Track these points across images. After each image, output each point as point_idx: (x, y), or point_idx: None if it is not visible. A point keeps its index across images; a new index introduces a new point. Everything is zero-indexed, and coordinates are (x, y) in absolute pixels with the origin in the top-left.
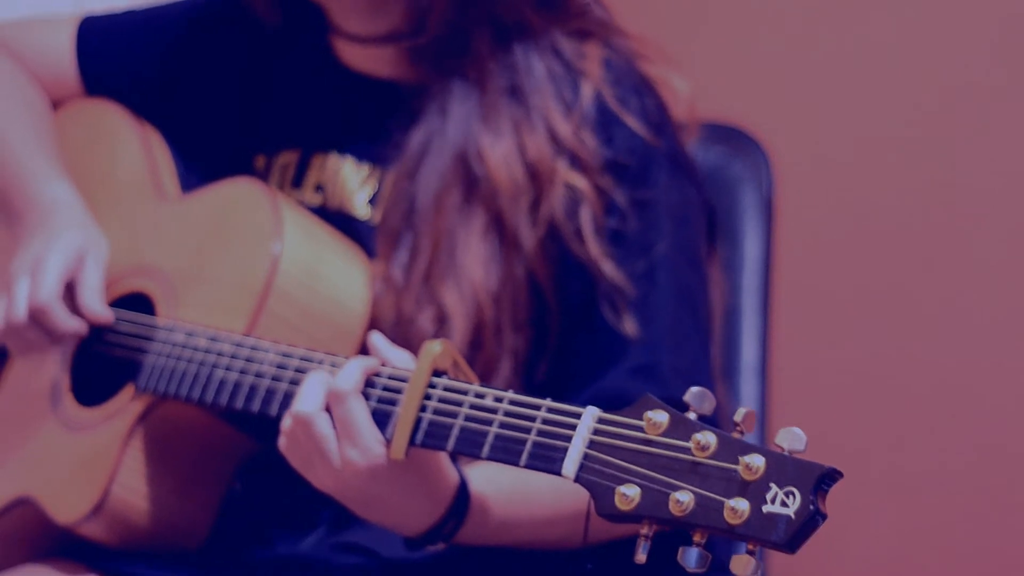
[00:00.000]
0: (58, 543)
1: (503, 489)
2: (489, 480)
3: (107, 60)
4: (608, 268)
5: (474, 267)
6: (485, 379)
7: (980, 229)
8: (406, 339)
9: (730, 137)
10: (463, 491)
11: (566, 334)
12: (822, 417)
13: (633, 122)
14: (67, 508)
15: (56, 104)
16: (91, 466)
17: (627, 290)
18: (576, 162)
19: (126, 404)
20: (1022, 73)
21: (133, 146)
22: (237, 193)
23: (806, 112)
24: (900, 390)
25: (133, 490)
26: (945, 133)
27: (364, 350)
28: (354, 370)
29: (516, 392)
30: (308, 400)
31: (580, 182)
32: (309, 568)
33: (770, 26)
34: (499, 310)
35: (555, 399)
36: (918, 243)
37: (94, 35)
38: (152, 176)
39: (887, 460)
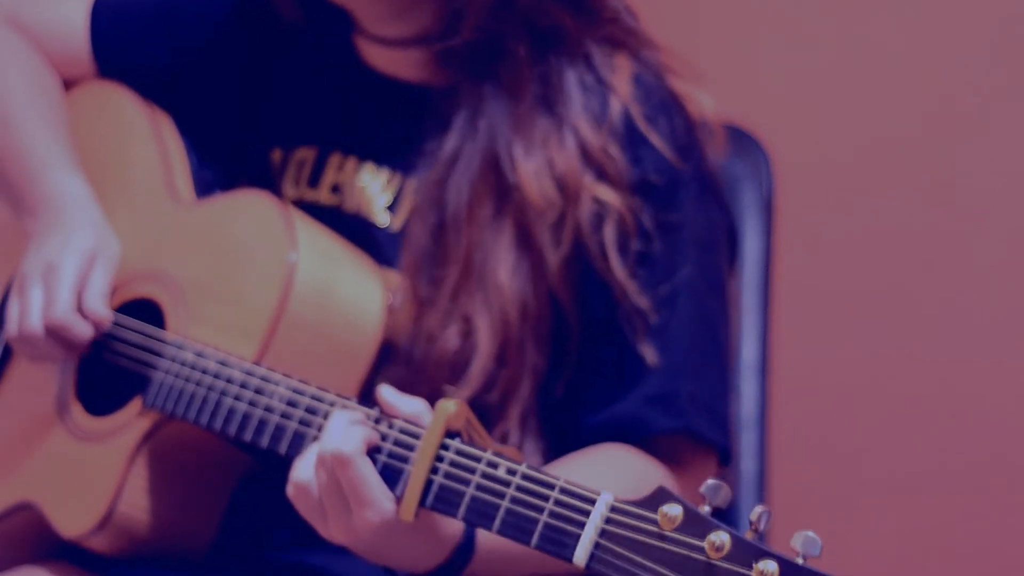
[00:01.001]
0: (59, 545)
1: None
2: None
3: (122, 42)
4: (632, 290)
5: (503, 281)
6: (506, 397)
7: (980, 229)
8: (428, 354)
9: (730, 137)
10: (470, 531)
11: (584, 354)
12: (822, 417)
13: (661, 142)
14: (72, 522)
15: (66, 83)
16: (97, 481)
17: (649, 314)
18: (603, 176)
19: (133, 418)
20: (1022, 73)
21: (145, 137)
22: (251, 206)
23: (806, 112)
24: (900, 390)
25: (137, 506)
26: (945, 133)
27: (375, 364)
28: (356, 430)
29: (528, 467)
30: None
31: (608, 195)
32: (316, 573)
33: (770, 26)
34: (524, 326)
35: (570, 418)
36: (918, 243)
37: (109, 15)
38: (165, 172)
39: (887, 460)
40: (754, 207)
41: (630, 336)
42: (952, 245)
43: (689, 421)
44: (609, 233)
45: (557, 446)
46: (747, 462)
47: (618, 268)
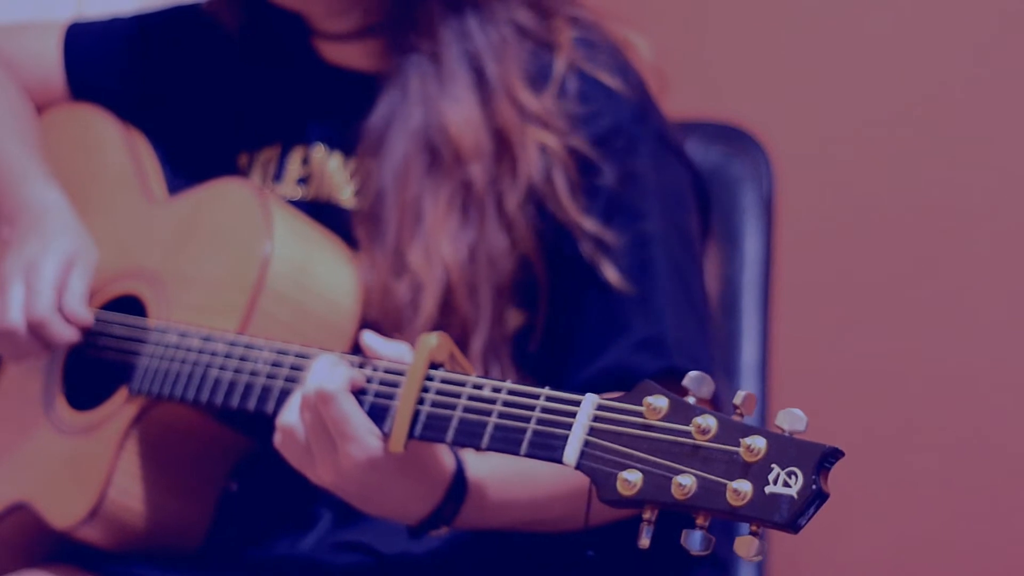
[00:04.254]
0: (55, 548)
1: (501, 469)
2: (486, 461)
3: (93, 66)
4: (589, 225)
5: (440, 235)
6: (463, 341)
7: (980, 229)
8: (384, 312)
9: (730, 137)
10: (460, 474)
11: (557, 306)
12: (822, 416)
13: (614, 97)
14: (63, 513)
15: (41, 109)
16: (86, 470)
17: (616, 252)
18: (544, 125)
19: (120, 407)
20: (1022, 73)
21: (119, 150)
22: (226, 193)
23: (806, 112)
24: (900, 389)
25: (129, 493)
26: (945, 133)
27: (356, 346)
28: (338, 369)
29: (514, 382)
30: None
31: (551, 140)
32: (309, 567)
33: (770, 26)
34: (473, 273)
35: (551, 373)
36: (918, 243)
37: (81, 41)
38: (139, 178)
39: (887, 459)
40: (754, 207)
41: (605, 295)
42: (952, 245)
43: (675, 362)
44: (560, 180)
45: None
46: None
47: (571, 207)
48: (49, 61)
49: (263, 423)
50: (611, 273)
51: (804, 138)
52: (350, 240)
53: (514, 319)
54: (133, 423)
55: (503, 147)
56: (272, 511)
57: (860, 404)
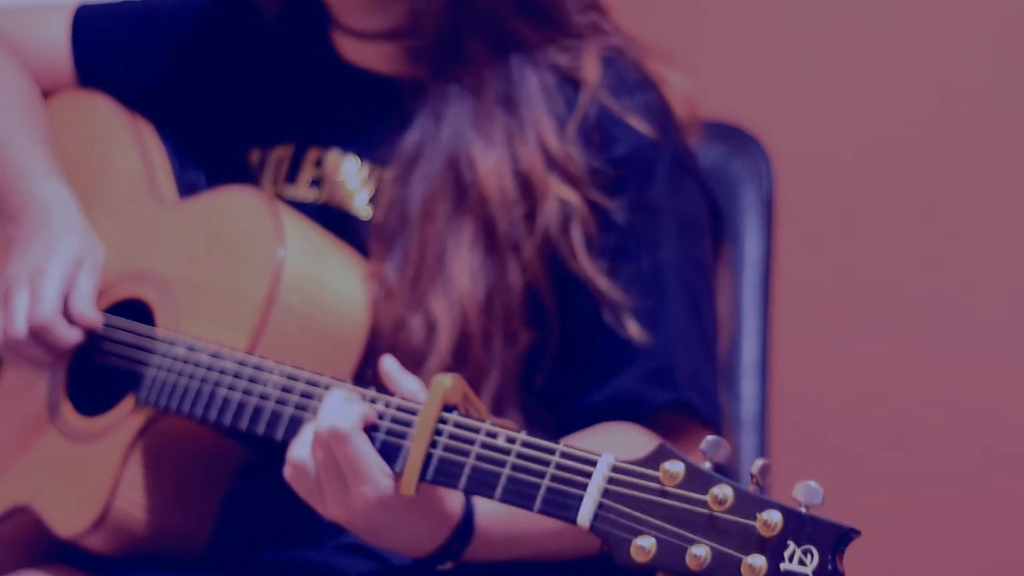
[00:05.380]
0: (56, 548)
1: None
2: None
3: (103, 51)
4: (603, 285)
5: (462, 276)
6: (473, 388)
7: (980, 229)
8: (396, 345)
9: (730, 136)
10: (469, 513)
11: (568, 340)
12: (822, 417)
13: (635, 122)
14: (68, 522)
15: (48, 94)
16: (92, 479)
17: (629, 298)
18: (567, 177)
19: (126, 416)
20: (1022, 73)
21: (126, 143)
22: (238, 202)
23: (806, 111)
24: (900, 390)
25: (133, 503)
26: (945, 133)
27: (365, 357)
28: (351, 406)
29: (528, 434)
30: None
31: (571, 196)
32: (313, 570)
33: (770, 25)
34: (488, 320)
35: (558, 398)
36: (918, 243)
37: (90, 25)
38: (147, 174)
39: (887, 459)
40: (754, 207)
41: (615, 323)
42: (952, 245)
43: (685, 394)
44: (576, 234)
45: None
46: (747, 462)
47: (587, 265)
48: (57, 45)
49: (270, 444)
50: (624, 306)
51: (804, 138)
52: (362, 248)
53: (524, 345)
54: (140, 434)
55: (526, 194)
56: (277, 513)
57: (860, 404)
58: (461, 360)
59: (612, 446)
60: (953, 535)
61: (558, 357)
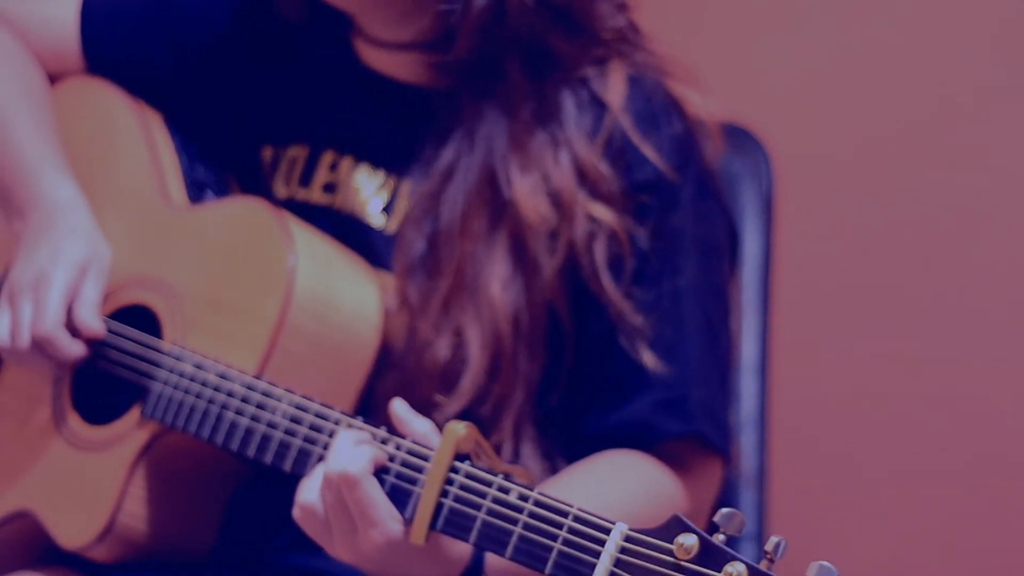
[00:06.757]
0: (56, 550)
1: None
2: None
3: (113, 39)
4: (622, 307)
5: (495, 294)
6: (499, 409)
7: (980, 229)
8: (420, 363)
9: (730, 135)
10: (478, 557)
11: (583, 361)
12: (821, 416)
13: (658, 144)
14: (72, 533)
15: (54, 79)
16: (97, 492)
17: (647, 323)
18: (597, 194)
19: (132, 429)
20: (1022, 73)
21: (135, 136)
22: (249, 216)
23: (806, 110)
24: (900, 389)
25: (137, 516)
26: (945, 133)
27: (373, 371)
28: (362, 449)
29: (541, 493)
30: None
31: (602, 213)
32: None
33: (770, 24)
34: (517, 339)
35: (570, 420)
36: (918, 242)
37: (100, 11)
38: (156, 174)
39: (887, 459)
40: (754, 206)
41: (630, 347)
42: (952, 245)
43: (698, 426)
44: (600, 252)
45: (558, 452)
46: (747, 462)
47: (610, 288)
48: (64, 27)
49: (276, 472)
50: (640, 331)
51: (804, 137)
52: (371, 256)
53: (539, 377)
54: (145, 448)
55: (557, 211)
56: (278, 517)
57: (860, 404)
58: (492, 378)
59: (615, 484)
60: (952, 535)
61: (572, 378)
